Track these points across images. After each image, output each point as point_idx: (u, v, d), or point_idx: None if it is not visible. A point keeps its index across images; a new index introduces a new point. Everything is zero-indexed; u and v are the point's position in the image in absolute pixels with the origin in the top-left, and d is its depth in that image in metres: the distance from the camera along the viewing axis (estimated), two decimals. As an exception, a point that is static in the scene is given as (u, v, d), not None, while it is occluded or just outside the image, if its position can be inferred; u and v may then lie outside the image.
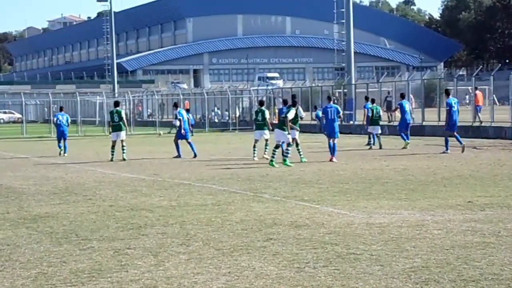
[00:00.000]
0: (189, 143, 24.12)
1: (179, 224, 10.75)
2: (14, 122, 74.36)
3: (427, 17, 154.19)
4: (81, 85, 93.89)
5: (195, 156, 23.44)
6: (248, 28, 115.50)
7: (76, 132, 47.59)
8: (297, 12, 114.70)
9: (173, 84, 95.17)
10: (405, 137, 25.79)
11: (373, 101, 28.37)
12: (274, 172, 18.18)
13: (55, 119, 27.81)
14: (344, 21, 44.59)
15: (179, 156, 23.82)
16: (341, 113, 22.91)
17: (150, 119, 58.91)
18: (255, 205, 12.52)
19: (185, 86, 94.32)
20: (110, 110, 24.40)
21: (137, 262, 8.26)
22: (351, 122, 40.22)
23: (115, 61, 72.20)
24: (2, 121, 78.21)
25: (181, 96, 55.98)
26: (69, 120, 27.96)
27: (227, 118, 51.84)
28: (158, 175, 18.13)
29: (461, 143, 22.88)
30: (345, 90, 42.37)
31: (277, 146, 20.29)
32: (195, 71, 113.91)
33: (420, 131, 33.62)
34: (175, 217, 11.40)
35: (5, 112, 79.89)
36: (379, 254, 8.37)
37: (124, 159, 23.13)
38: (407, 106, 26.66)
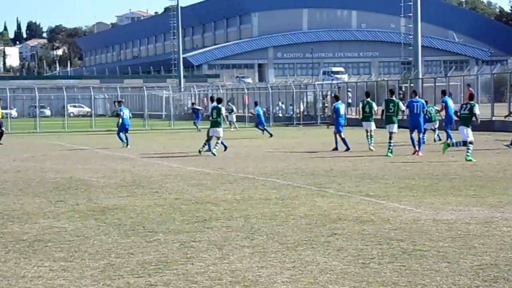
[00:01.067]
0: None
1: (244, 218, 10.80)
2: (83, 115, 75.99)
3: (497, 10, 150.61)
4: (148, 79, 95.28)
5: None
6: (313, 22, 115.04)
7: (142, 126, 48.36)
8: (363, 5, 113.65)
9: (238, 78, 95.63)
10: (450, 133, 24.90)
11: (367, 95, 26.48)
12: (338, 167, 18.08)
13: (121, 113, 28.39)
14: (411, 14, 43.93)
15: None
16: (425, 108, 22.65)
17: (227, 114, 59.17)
18: (319, 200, 12.48)
19: (249, 80, 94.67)
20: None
21: (202, 255, 8.34)
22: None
23: (181, 56, 73.03)
24: (71, 114, 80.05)
25: (246, 90, 56.24)
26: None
27: (291, 112, 51.77)
28: (223, 169, 18.25)
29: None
30: (412, 85, 41.75)
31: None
32: (259, 65, 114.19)
33: (490, 126, 32.90)
34: (239, 211, 11.46)
35: (74, 106, 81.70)
36: (446, 251, 8.23)
37: (214, 154, 22.54)
38: (451, 103, 25.73)
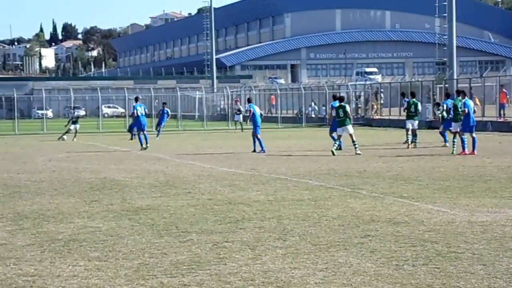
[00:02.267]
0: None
1: (276, 219, 10.80)
2: (117, 116, 76.61)
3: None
4: (181, 80, 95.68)
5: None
6: (347, 22, 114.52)
7: (176, 126, 48.61)
8: (397, 6, 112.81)
9: (270, 79, 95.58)
10: (446, 136, 24.58)
11: (413, 95, 26.39)
12: (372, 168, 17.98)
13: (135, 110, 27.53)
14: (446, 14, 43.52)
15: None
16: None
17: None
18: (352, 201, 12.42)
19: (282, 81, 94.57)
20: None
21: (235, 255, 8.35)
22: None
23: (214, 57, 73.24)
24: (106, 115, 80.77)
25: (278, 92, 56.23)
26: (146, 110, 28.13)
27: (324, 113, 51.63)
28: (255, 170, 18.27)
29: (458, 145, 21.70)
30: (446, 85, 41.35)
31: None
32: (292, 66, 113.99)
33: (525, 127, 32.48)
34: (272, 212, 11.46)
35: (109, 107, 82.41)
36: (482, 253, 8.14)
37: (358, 153, 22.17)
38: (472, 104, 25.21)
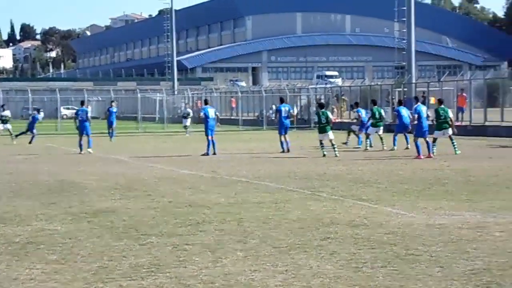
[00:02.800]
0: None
1: (237, 221, 10.80)
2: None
3: (490, 15, 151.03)
4: (142, 82, 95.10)
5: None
6: (307, 26, 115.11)
7: (136, 128, 48.30)
8: (357, 10, 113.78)
9: (231, 82, 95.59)
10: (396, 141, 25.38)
11: (374, 103, 27.70)
12: (332, 171, 18.10)
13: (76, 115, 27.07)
14: (405, 19, 44.02)
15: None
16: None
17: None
18: (312, 204, 12.49)
19: (243, 84, 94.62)
20: (316, 111, 24.79)
21: (195, 258, 8.33)
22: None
23: (175, 59, 72.96)
24: (65, 116, 79.84)
25: (240, 94, 56.25)
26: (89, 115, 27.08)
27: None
28: (216, 172, 18.25)
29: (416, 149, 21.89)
30: (405, 89, 41.84)
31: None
32: (253, 69, 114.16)
33: (483, 131, 33.00)
34: (232, 214, 11.45)
35: (68, 108, 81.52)
36: (439, 256, 8.25)
37: (336, 155, 22.49)
38: (404, 112, 25.65)
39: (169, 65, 75.41)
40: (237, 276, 7.47)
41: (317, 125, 23.69)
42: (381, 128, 26.34)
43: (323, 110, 23.77)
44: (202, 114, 25.35)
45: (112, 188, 15.18)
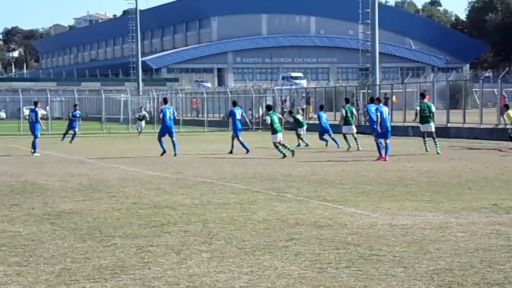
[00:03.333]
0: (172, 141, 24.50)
1: (202, 223, 10.78)
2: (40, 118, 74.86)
3: (453, 18, 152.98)
4: (106, 82, 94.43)
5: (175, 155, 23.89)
6: (273, 27, 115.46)
7: (100, 129, 47.94)
8: (321, 12, 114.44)
9: (197, 82, 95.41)
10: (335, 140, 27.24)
11: (347, 101, 28.86)
12: (297, 172, 18.16)
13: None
14: (369, 21, 44.40)
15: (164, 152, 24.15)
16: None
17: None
18: (277, 205, 12.52)
19: (209, 84, 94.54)
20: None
21: (159, 260, 8.29)
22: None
23: (140, 59, 72.57)
24: (27, 117, 78.97)
25: (205, 95, 56.17)
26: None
27: (250, 117, 51.85)
28: (181, 173, 18.19)
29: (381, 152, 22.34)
30: (369, 91, 42.21)
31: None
32: (219, 70, 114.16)
33: (445, 132, 33.40)
34: (197, 216, 11.43)
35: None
36: (402, 256, 8.33)
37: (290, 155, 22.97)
38: (324, 116, 28.14)
39: (134, 65, 75.06)
40: (202, 278, 7.45)
41: (270, 127, 23.59)
42: (354, 126, 26.89)
43: (271, 112, 23.94)
44: (160, 114, 25.00)
45: (76, 190, 15.04)
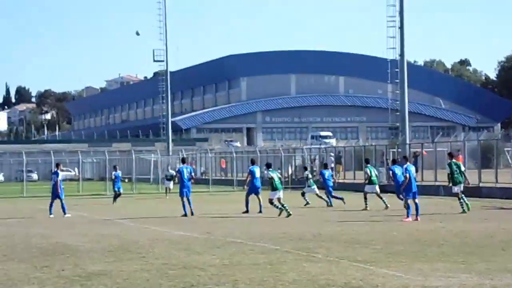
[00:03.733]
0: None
1: (231, 283, 10.69)
2: (70, 179, 75.61)
3: (483, 77, 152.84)
4: (137, 143, 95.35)
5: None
6: (301, 87, 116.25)
7: (130, 189, 48.20)
8: (350, 72, 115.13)
9: (226, 142, 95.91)
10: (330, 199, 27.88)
11: (367, 162, 29.01)
12: (327, 232, 18.01)
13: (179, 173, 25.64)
14: (398, 80, 44.53)
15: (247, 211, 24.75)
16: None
17: (204, 177, 59.29)
18: (307, 265, 12.39)
19: (238, 144, 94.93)
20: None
21: (189, 322, 8.20)
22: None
23: (170, 120, 73.29)
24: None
25: (234, 155, 56.37)
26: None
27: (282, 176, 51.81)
28: (210, 233, 18.14)
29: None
30: (399, 150, 42.04)
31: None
32: (248, 129, 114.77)
33: (477, 192, 32.99)
34: (227, 276, 11.34)
35: (62, 170, 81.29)
36: (436, 319, 8.15)
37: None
38: (327, 174, 29.22)
39: (164, 126, 75.67)
40: None
41: (271, 185, 24.07)
42: (377, 186, 26.79)
43: (271, 169, 24.69)
44: (178, 174, 25.31)
45: (106, 251, 15.05)
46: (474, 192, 33.13)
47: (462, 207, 23.72)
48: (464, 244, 15.14)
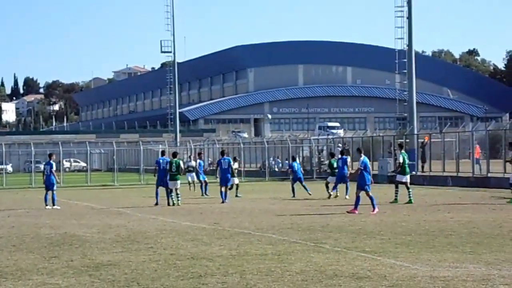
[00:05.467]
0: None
1: (239, 274, 10.71)
2: (78, 170, 75.83)
3: (491, 67, 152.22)
4: (144, 134, 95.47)
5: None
6: (309, 77, 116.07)
7: (138, 180, 48.29)
8: (358, 62, 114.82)
9: (233, 133, 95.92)
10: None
11: (401, 147, 26.84)
12: (335, 222, 18.01)
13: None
14: (406, 71, 44.38)
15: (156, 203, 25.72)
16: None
17: (211, 168, 59.34)
18: (315, 256, 12.40)
19: (245, 135, 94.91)
20: (168, 160, 26.31)
21: (197, 312, 8.23)
22: (413, 173, 39.67)
23: (177, 111, 73.34)
24: (67, 169, 79.96)
25: (242, 145, 56.39)
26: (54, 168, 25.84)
27: (287, 167, 51.83)
28: (218, 224, 18.17)
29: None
30: (407, 140, 41.96)
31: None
32: (256, 120, 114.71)
33: (486, 183, 32.93)
34: (235, 267, 11.37)
35: (69, 161, 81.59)
36: (444, 309, 8.15)
37: (178, 205, 25.06)
38: (296, 165, 29.94)
39: (172, 117, 75.77)
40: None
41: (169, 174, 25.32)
42: (408, 175, 24.66)
43: (176, 159, 25.53)
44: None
45: (114, 241, 15.10)
46: (482, 182, 33.09)
47: (410, 197, 23.76)
48: (472, 235, 15.11)
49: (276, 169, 53.99)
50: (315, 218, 19.46)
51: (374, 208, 20.54)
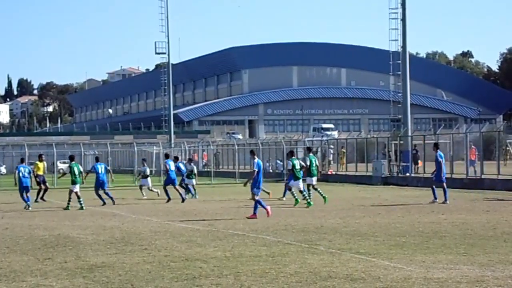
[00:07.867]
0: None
1: (233, 275, 10.71)
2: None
3: (485, 69, 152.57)
4: (139, 135, 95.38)
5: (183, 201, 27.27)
6: (303, 79, 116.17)
7: (132, 182, 48.21)
8: (352, 64, 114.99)
9: (228, 134, 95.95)
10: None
11: (309, 150, 27.95)
12: (329, 224, 18.03)
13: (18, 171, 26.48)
14: (400, 72, 44.46)
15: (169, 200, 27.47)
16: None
17: (206, 169, 59.34)
18: (309, 257, 12.40)
19: (240, 136, 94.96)
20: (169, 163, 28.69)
21: (191, 314, 8.23)
22: (407, 174, 39.76)
23: (171, 112, 73.32)
24: (61, 171, 79.77)
25: (236, 147, 56.38)
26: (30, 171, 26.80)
27: (281, 168, 51.84)
28: (212, 226, 18.16)
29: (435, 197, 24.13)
30: (401, 142, 42.04)
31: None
32: (250, 121, 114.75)
33: (479, 184, 32.99)
34: (229, 268, 11.37)
35: (64, 162, 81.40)
36: (438, 310, 8.16)
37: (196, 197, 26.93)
38: (172, 165, 29.48)
39: (166, 118, 75.76)
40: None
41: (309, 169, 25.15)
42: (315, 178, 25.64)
43: (311, 154, 25.76)
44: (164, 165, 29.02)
45: (108, 243, 15.08)
46: (476, 184, 33.15)
47: (308, 199, 23.98)
48: (466, 236, 15.14)
49: (270, 171, 53.96)
50: (309, 219, 19.48)
51: (255, 213, 20.21)
